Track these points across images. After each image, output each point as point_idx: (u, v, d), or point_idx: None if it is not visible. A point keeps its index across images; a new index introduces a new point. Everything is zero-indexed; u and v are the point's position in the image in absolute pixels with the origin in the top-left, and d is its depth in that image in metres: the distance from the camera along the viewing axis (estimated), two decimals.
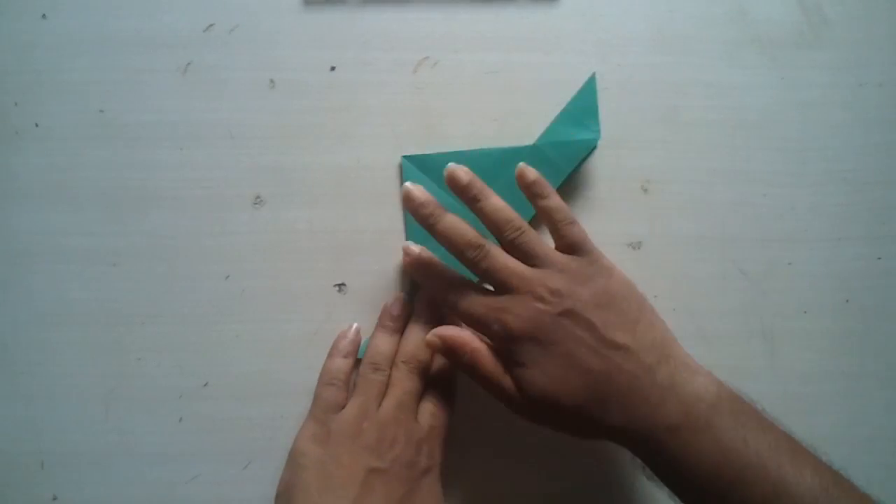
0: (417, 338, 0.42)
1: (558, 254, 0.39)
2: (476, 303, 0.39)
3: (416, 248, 0.41)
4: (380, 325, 0.43)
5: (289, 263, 0.44)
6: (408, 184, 0.40)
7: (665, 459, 0.36)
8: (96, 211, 0.44)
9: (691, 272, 0.45)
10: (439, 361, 0.43)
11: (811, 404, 0.45)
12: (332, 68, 0.45)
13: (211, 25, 0.44)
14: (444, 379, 0.43)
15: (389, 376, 0.41)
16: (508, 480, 0.44)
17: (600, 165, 0.45)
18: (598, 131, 0.44)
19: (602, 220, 0.45)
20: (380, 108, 0.45)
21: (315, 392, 0.42)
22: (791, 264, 0.45)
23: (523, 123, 0.45)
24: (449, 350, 0.39)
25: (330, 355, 0.43)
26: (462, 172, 0.40)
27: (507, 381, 0.38)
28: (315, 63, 0.45)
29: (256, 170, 0.44)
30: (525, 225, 0.39)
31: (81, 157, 0.44)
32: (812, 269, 0.45)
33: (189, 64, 0.44)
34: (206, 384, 0.44)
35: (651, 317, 0.38)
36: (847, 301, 0.45)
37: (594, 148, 0.44)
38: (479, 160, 0.43)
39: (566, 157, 0.43)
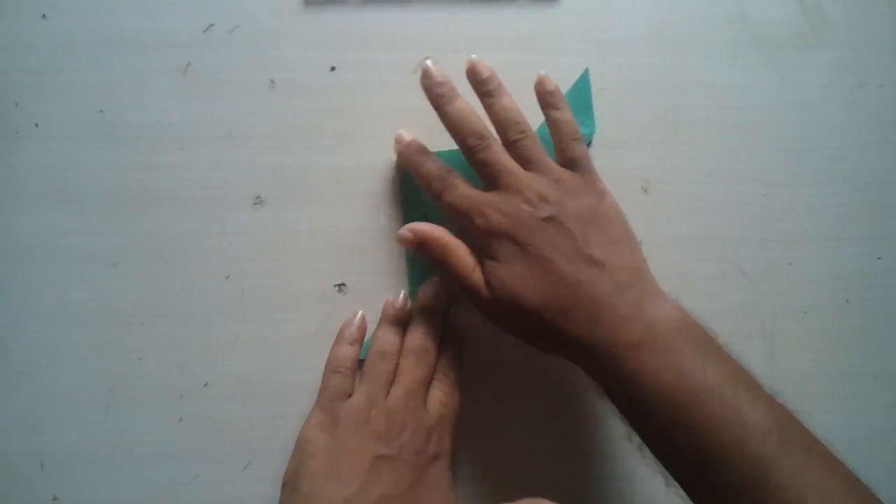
0: (424, 327, 0.42)
1: (556, 164, 0.39)
2: (462, 195, 0.39)
3: (408, 136, 0.42)
4: (383, 318, 0.43)
5: (289, 263, 0.44)
6: (428, 61, 0.40)
7: (621, 376, 0.35)
8: (96, 211, 0.44)
9: (691, 272, 0.45)
10: (447, 350, 0.43)
11: (811, 404, 0.45)
12: (332, 68, 0.45)
13: (211, 25, 0.44)
14: (452, 368, 0.42)
15: (397, 365, 0.41)
16: (514, 467, 0.44)
17: (600, 165, 0.45)
18: (593, 125, 0.44)
19: None
20: (380, 108, 0.45)
21: (322, 380, 0.42)
22: (791, 264, 0.45)
23: None
24: (421, 244, 0.40)
25: (336, 343, 0.43)
26: (483, 66, 0.40)
27: (476, 276, 0.39)
28: (315, 63, 0.45)
29: (256, 170, 0.44)
30: (531, 130, 0.40)
31: (81, 157, 0.44)
32: (812, 269, 0.45)
33: (189, 64, 0.44)
34: (206, 384, 0.44)
35: (633, 244, 0.39)
36: (847, 301, 0.45)
37: (589, 143, 0.44)
38: None
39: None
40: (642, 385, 0.35)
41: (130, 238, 0.44)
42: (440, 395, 0.41)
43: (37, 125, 0.44)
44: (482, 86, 0.40)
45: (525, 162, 0.39)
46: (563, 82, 0.45)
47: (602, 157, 0.45)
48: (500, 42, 0.45)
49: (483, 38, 0.45)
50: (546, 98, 0.40)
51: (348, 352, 0.42)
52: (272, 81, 0.45)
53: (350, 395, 0.41)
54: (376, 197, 0.44)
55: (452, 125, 0.40)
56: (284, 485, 0.40)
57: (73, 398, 0.44)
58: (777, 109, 0.45)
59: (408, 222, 0.43)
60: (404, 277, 0.44)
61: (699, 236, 0.45)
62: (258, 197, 0.44)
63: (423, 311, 0.43)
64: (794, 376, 0.45)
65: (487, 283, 0.38)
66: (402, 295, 0.43)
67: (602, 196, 0.39)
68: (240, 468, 0.44)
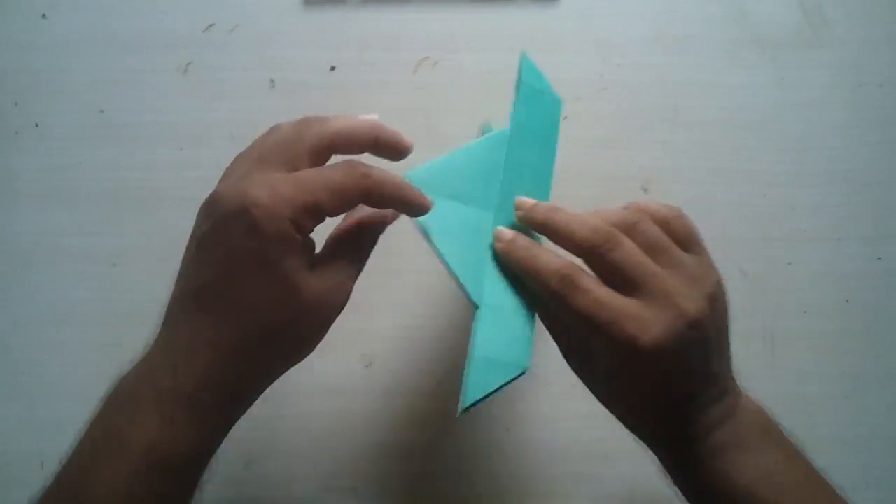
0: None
1: (681, 251, 0.34)
2: (596, 301, 0.33)
3: (508, 232, 0.36)
4: None
5: None
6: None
7: (707, 475, 0.35)
8: (96, 211, 0.44)
9: None
10: None
11: (811, 404, 0.45)
12: (332, 68, 0.45)
13: (211, 25, 0.44)
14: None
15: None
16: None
17: (600, 165, 0.45)
18: (557, 94, 0.41)
19: None
20: (380, 108, 0.45)
21: None
22: (791, 264, 0.45)
23: None
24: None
25: None
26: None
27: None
28: (315, 63, 0.45)
29: None
30: (645, 214, 0.35)
31: (81, 157, 0.44)
32: (812, 269, 0.45)
33: (189, 64, 0.44)
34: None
35: (728, 342, 0.37)
36: (847, 301, 0.45)
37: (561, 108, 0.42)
38: (478, 156, 0.43)
39: (546, 126, 0.41)
40: (727, 485, 0.34)
41: (130, 238, 0.44)
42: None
43: (37, 125, 0.44)
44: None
45: (652, 253, 0.34)
46: (563, 82, 0.44)
47: (602, 157, 0.45)
48: (500, 42, 0.45)
49: (483, 38, 0.45)
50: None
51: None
52: (272, 81, 0.45)
53: None
54: None
55: (569, 230, 0.34)
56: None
57: (73, 398, 0.44)
58: (777, 109, 0.45)
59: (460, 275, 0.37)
60: (404, 275, 0.44)
61: None
62: None
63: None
64: (794, 376, 0.45)
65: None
66: None
67: (721, 286, 0.35)
68: (240, 468, 0.44)
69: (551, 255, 0.35)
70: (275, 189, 0.30)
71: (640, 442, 0.38)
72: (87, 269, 0.44)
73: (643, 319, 0.32)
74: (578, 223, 0.34)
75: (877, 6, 0.46)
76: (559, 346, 0.37)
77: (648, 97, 0.45)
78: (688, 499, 0.37)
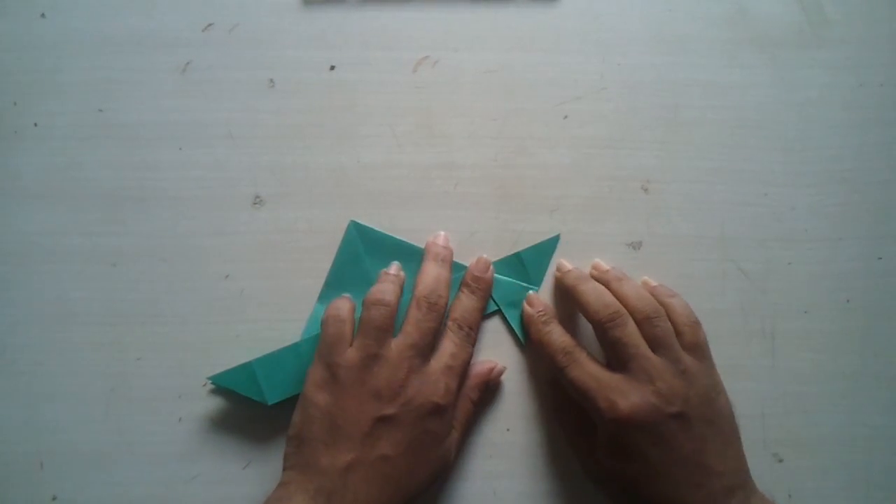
0: (434, 274, 0.41)
1: (684, 353, 0.39)
2: (588, 374, 0.39)
3: (540, 305, 0.43)
4: (380, 276, 0.42)
5: (289, 263, 0.44)
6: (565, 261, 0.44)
7: None
8: (96, 211, 0.44)
9: (691, 272, 0.45)
10: (466, 297, 0.42)
11: (811, 404, 0.45)
12: (332, 68, 0.45)
13: (211, 25, 0.44)
14: (469, 315, 0.41)
15: (395, 312, 0.39)
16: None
17: (600, 165, 0.45)
18: (539, 284, 0.45)
19: (602, 220, 0.45)
20: (380, 108, 0.45)
21: (321, 329, 0.40)
22: (791, 264, 0.45)
23: (523, 123, 0.45)
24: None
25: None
26: (601, 263, 0.44)
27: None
28: (315, 63, 0.45)
29: (256, 170, 0.44)
30: (664, 313, 0.40)
31: (81, 157, 0.44)
32: (812, 269, 0.45)
33: (189, 64, 0.44)
34: (205, 384, 0.44)
35: (739, 443, 0.39)
36: (847, 301, 0.45)
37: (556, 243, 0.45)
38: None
39: (538, 262, 0.45)
40: None
41: (130, 238, 0.44)
42: (451, 347, 0.40)
43: (36, 125, 0.44)
44: (605, 274, 0.42)
45: (655, 344, 0.39)
46: (563, 82, 0.45)
47: (602, 157, 0.45)
48: (500, 42, 0.45)
49: (483, 38, 0.45)
50: (656, 291, 0.42)
51: (343, 301, 0.41)
52: (272, 81, 0.45)
53: (349, 344, 0.39)
54: (376, 197, 0.44)
55: (586, 301, 0.40)
56: (290, 439, 0.38)
57: (73, 398, 0.44)
58: (777, 109, 0.45)
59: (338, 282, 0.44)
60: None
61: (699, 236, 0.45)
62: (258, 197, 0.44)
63: (436, 258, 0.42)
64: (794, 376, 0.45)
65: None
66: (394, 265, 0.43)
67: (719, 390, 0.39)
68: (239, 468, 0.44)
69: (561, 334, 0.41)
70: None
71: None
72: (87, 269, 0.44)
73: (622, 391, 0.37)
74: (595, 296, 0.40)
75: (877, 6, 0.46)
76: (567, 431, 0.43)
77: (648, 97, 0.45)
78: None
